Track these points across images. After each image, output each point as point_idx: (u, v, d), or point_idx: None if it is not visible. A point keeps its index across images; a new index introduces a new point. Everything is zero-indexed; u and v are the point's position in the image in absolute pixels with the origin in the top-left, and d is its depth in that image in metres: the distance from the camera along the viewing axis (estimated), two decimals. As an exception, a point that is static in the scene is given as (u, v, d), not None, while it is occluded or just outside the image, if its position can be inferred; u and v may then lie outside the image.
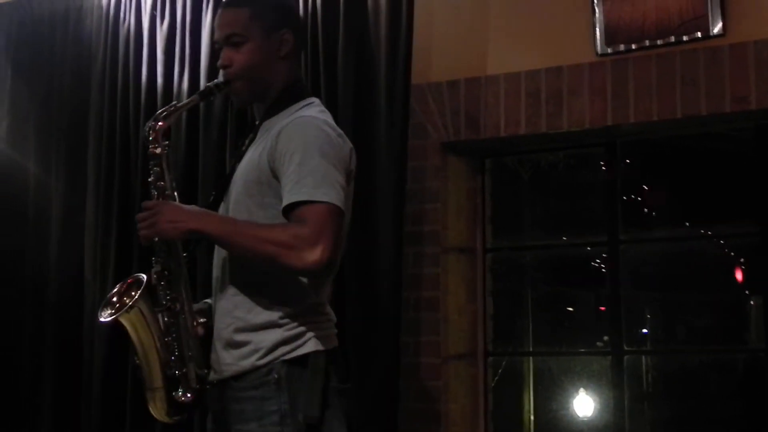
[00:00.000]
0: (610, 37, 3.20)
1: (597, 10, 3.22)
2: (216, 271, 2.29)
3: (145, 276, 2.22)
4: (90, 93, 3.89)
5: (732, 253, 3.61)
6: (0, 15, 4.22)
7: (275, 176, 2.14)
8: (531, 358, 3.71)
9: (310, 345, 2.15)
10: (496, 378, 3.62)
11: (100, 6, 3.93)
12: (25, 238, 3.97)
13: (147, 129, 2.23)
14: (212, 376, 2.24)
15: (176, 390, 2.21)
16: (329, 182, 2.09)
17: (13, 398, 3.90)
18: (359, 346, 3.23)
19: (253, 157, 2.22)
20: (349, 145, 2.23)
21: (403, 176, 3.26)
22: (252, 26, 2.24)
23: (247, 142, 2.32)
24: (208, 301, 2.36)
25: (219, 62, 2.28)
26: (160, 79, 3.72)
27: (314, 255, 2.03)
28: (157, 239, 2.17)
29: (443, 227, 3.45)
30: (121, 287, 2.28)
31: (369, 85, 3.33)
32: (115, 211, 3.74)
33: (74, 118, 3.94)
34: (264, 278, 2.16)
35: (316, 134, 2.14)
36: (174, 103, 2.29)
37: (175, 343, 2.21)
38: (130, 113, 3.77)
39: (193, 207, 2.21)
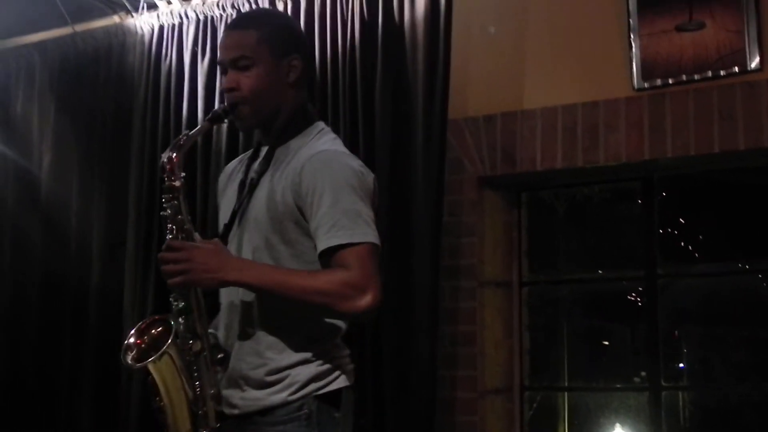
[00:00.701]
0: (647, 72, 3.21)
1: (634, 45, 3.23)
2: (231, 308, 2.21)
3: (173, 321, 2.13)
4: (132, 128, 3.95)
5: (769, 288, 3.58)
6: (44, 51, 4.31)
7: (301, 213, 2.12)
8: (567, 393, 3.68)
9: (341, 381, 2.16)
10: (531, 413, 3.59)
11: (142, 42, 4.01)
12: (67, 268, 4.03)
13: (164, 161, 2.14)
14: (228, 411, 2.17)
15: (199, 429, 2.15)
16: (364, 220, 2.09)
17: (52, 424, 3.93)
18: (396, 380, 3.23)
19: (273, 191, 2.16)
20: (371, 174, 2.20)
21: (440, 210, 3.28)
22: (261, 50, 2.18)
23: (257, 169, 2.23)
24: (212, 331, 2.26)
25: (224, 85, 2.21)
26: (200, 115, 3.76)
27: (366, 300, 2.04)
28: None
29: (480, 261, 3.45)
30: (140, 326, 2.20)
31: (406, 120, 3.36)
32: (154, 245, 3.76)
33: (116, 153, 4.00)
34: (296, 320, 2.14)
35: (342, 170, 2.12)
36: (186, 132, 2.22)
37: (197, 383, 2.14)
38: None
39: (223, 251, 2.13)
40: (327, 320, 2.16)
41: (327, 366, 2.14)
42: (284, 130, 2.23)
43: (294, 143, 2.22)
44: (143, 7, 4.03)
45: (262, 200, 2.17)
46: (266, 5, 3.70)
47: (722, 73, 3.11)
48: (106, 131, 4.05)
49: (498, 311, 3.53)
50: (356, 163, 2.18)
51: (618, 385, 3.68)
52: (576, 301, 3.80)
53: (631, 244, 3.58)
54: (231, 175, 2.38)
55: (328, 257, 2.07)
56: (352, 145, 3.42)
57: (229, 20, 3.76)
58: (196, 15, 3.88)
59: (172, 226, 2.13)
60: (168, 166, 2.13)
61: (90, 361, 3.89)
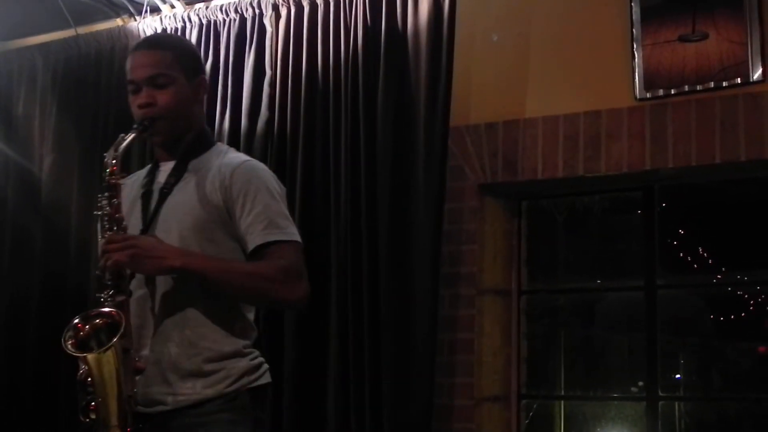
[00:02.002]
0: (649, 82, 3.22)
1: (637, 55, 3.24)
2: (146, 305, 2.23)
3: (121, 316, 2.12)
4: (133, 130, 3.95)
5: (768, 300, 3.58)
6: (47, 53, 4.31)
7: (228, 214, 2.25)
8: (564, 402, 3.68)
9: (267, 376, 2.30)
10: (527, 421, 3.59)
11: (145, 45, 4.01)
12: (67, 267, 4.02)
13: (109, 160, 2.22)
14: (151, 409, 2.19)
15: (125, 428, 2.14)
16: (291, 223, 2.29)
17: (52, 425, 3.93)
18: (394, 386, 3.23)
19: (193, 194, 2.27)
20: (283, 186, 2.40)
21: (440, 217, 3.28)
22: (176, 69, 2.31)
23: (168, 180, 2.31)
24: None
25: (141, 100, 2.29)
26: (202, 118, 3.77)
27: (302, 288, 2.23)
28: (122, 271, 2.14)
29: (479, 269, 3.45)
30: (89, 312, 2.18)
31: (408, 127, 3.36)
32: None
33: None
34: (227, 309, 2.24)
35: (269, 178, 2.32)
36: (122, 135, 2.29)
37: (125, 380, 2.15)
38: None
39: (164, 241, 2.20)
40: (247, 316, 2.29)
41: (257, 360, 2.27)
42: (193, 145, 2.35)
43: (208, 156, 2.35)
44: (146, 11, 4.05)
45: (185, 204, 2.27)
46: (269, 11, 3.71)
47: (725, 84, 3.11)
48: (107, 133, 4.04)
49: (497, 319, 3.53)
50: (274, 174, 2.39)
51: (615, 395, 3.68)
52: (575, 310, 3.80)
53: (631, 253, 3.58)
54: (125, 193, 2.37)
55: (263, 251, 2.21)
56: (353, 152, 3.44)
57: (232, 25, 3.78)
58: (199, 19, 3.89)
59: (109, 225, 2.20)
60: (111, 165, 2.22)
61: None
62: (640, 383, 3.49)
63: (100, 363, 2.11)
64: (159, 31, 3.97)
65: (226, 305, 2.24)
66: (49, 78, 4.27)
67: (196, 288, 2.20)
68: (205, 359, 2.20)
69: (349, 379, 3.33)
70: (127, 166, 2.33)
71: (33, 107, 4.30)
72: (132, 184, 2.43)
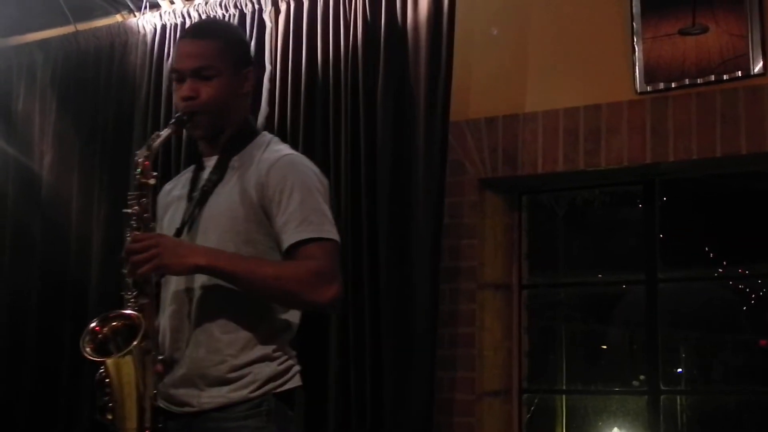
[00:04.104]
0: (649, 76, 3.21)
1: (637, 48, 3.24)
2: (179, 309, 2.21)
3: (141, 319, 2.11)
4: (133, 126, 3.95)
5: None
6: (46, 49, 4.31)
7: (264, 213, 2.17)
8: (565, 396, 3.68)
9: (296, 380, 2.22)
10: (529, 415, 3.59)
11: (144, 41, 4.01)
12: (67, 265, 4.03)
13: (140, 159, 2.16)
14: (179, 409, 2.18)
15: (143, 428, 2.14)
16: (329, 220, 2.18)
17: (52, 424, 3.93)
18: (395, 381, 3.23)
19: (233, 193, 2.19)
20: (326, 179, 2.30)
21: (441, 212, 3.28)
22: (224, 60, 2.22)
23: (211, 178, 2.25)
24: None
25: (183, 92, 2.21)
26: (201, 114, 3.77)
27: (332, 290, 2.12)
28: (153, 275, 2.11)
29: (480, 263, 3.45)
30: (107, 315, 2.17)
31: (408, 122, 3.36)
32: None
33: (117, 152, 3.99)
34: (257, 315, 2.17)
35: (307, 173, 2.21)
36: (157, 132, 2.22)
37: (143, 382, 2.14)
38: (173, 147, 3.81)
39: (188, 241, 2.17)
40: (282, 318, 2.20)
41: (284, 365, 2.19)
42: (236, 139, 2.27)
43: (250, 151, 2.26)
44: (146, 7, 4.04)
45: (223, 204, 2.20)
46: (269, 6, 3.70)
47: (725, 77, 3.11)
48: (108, 130, 4.05)
49: (497, 314, 3.53)
50: (316, 168, 2.28)
51: (617, 389, 3.68)
52: (575, 304, 3.80)
53: (632, 247, 3.58)
54: (171, 192, 2.38)
55: (296, 250, 2.13)
56: (353, 147, 3.43)
57: (232, 20, 3.77)
58: (199, 14, 3.88)
59: (138, 224, 2.14)
60: (143, 164, 2.15)
61: (90, 362, 3.88)
62: (642, 377, 3.49)
63: (119, 367, 2.10)
64: (158, 27, 3.97)
65: (258, 310, 2.17)
66: (48, 74, 4.27)
67: (228, 292, 2.13)
68: (229, 367, 2.15)
69: (349, 374, 3.34)
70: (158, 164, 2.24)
71: (33, 104, 4.30)
72: (177, 183, 2.38)
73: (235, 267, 2.09)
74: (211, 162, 2.28)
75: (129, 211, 2.15)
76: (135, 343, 2.08)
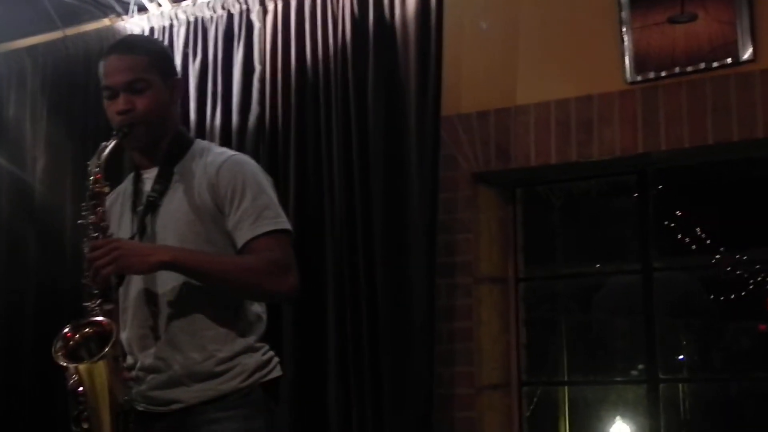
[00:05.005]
0: (639, 65, 3.20)
1: (626, 38, 3.23)
2: (146, 312, 2.23)
3: (113, 325, 2.12)
4: (124, 130, 3.94)
5: (767, 279, 3.58)
6: (35, 55, 4.30)
7: (219, 211, 2.23)
8: (566, 387, 3.68)
9: (278, 370, 2.30)
10: (531, 407, 3.60)
11: (133, 45, 3.99)
12: (62, 273, 4.01)
13: (94, 168, 2.21)
14: (165, 408, 2.20)
15: None
16: (281, 213, 2.27)
17: (50, 421, 3.93)
18: (393, 377, 3.23)
19: (189, 198, 2.24)
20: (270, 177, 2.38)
21: (435, 207, 3.27)
22: (152, 73, 2.28)
23: (155, 188, 2.28)
24: None
25: (119, 107, 2.25)
26: (193, 116, 3.76)
27: (290, 281, 2.21)
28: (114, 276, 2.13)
29: (475, 258, 3.45)
30: (79, 322, 2.17)
31: (399, 118, 3.35)
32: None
33: (109, 156, 3.97)
34: (231, 308, 2.23)
35: (255, 170, 2.30)
36: (103, 143, 2.24)
37: (115, 388, 2.14)
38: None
39: (147, 243, 2.21)
40: (253, 311, 2.27)
41: (267, 355, 2.28)
42: (173, 148, 2.32)
43: (191, 157, 2.32)
44: (133, 10, 4.03)
45: (177, 211, 2.25)
46: (257, 6, 3.69)
47: (715, 64, 3.10)
48: (99, 134, 3.99)
49: (494, 307, 3.53)
50: (259, 165, 2.37)
51: (616, 379, 3.68)
52: (572, 295, 3.81)
53: (627, 237, 3.58)
54: (111, 208, 2.36)
55: (252, 244, 2.20)
56: (345, 145, 3.43)
57: (219, 21, 3.77)
58: (186, 17, 3.87)
59: (96, 234, 2.18)
60: (95, 173, 2.20)
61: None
62: (641, 366, 3.49)
63: (92, 373, 2.10)
64: (147, 30, 3.96)
65: (231, 305, 2.24)
66: (38, 80, 4.26)
67: (200, 291, 2.18)
68: (217, 361, 2.20)
69: (348, 371, 3.33)
70: (111, 174, 2.27)
71: (23, 110, 4.28)
72: (117, 198, 2.40)
73: (197, 262, 2.15)
74: (150, 173, 2.32)
75: (85, 222, 2.20)
76: (108, 348, 2.09)
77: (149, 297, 2.23)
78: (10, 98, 4.34)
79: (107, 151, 2.22)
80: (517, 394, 3.55)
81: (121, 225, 2.33)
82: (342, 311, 3.35)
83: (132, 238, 2.26)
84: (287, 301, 2.33)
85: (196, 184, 2.26)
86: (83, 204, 2.22)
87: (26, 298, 4.10)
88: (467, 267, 3.43)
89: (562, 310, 3.80)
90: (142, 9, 4.01)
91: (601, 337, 3.92)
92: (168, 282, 2.21)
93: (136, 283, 2.24)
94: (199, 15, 3.83)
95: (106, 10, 4.14)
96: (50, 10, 4.08)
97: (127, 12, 4.05)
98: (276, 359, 2.30)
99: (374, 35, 3.41)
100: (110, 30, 4.09)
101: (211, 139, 3.69)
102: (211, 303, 2.21)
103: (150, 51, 2.35)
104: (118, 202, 2.39)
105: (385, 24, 3.41)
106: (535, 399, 3.61)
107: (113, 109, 2.27)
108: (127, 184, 2.41)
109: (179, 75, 2.44)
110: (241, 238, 2.21)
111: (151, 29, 3.95)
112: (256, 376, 2.23)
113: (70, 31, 4.22)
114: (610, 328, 3.90)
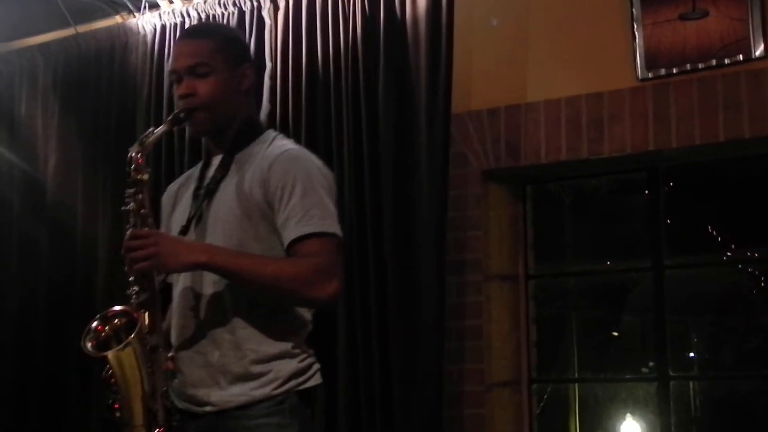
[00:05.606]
0: (650, 62, 3.20)
1: (637, 35, 3.22)
2: (189, 306, 2.22)
3: (138, 314, 2.13)
4: (136, 128, 3.95)
5: (779, 276, 3.57)
6: (47, 52, 4.32)
7: (269, 208, 2.17)
8: (576, 384, 3.68)
9: (317, 378, 2.23)
10: (541, 405, 3.60)
11: (144, 42, 4.01)
12: (74, 269, 4.04)
13: (132, 154, 2.17)
14: (198, 409, 2.18)
15: (152, 427, 2.14)
16: (332, 215, 2.18)
17: (62, 427, 3.95)
18: (403, 375, 3.24)
19: (239, 191, 2.20)
20: (331, 173, 2.30)
21: (445, 205, 3.27)
22: (217, 58, 2.24)
23: (215, 176, 2.27)
24: None
25: (181, 91, 2.24)
26: (203, 113, 3.77)
27: (332, 287, 2.13)
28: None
29: (485, 255, 3.45)
30: (106, 314, 2.19)
31: (409, 115, 3.35)
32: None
33: (120, 152, 3.95)
34: (272, 310, 2.18)
35: (309, 167, 2.22)
36: (151, 129, 2.24)
37: (151, 379, 2.14)
38: (175, 148, 3.82)
39: (187, 238, 2.19)
40: (296, 313, 2.22)
41: (306, 362, 2.21)
42: (239, 136, 2.29)
43: (254, 148, 2.28)
44: (145, 7, 4.04)
45: (229, 202, 2.21)
46: (267, 3, 3.70)
47: (726, 61, 3.09)
48: (110, 131, 4.06)
49: (504, 305, 3.53)
50: (320, 162, 2.28)
51: (627, 376, 3.68)
52: (582, 293, 3.80)
53: (638, 234, 3.57)
54: (178, 191, 2.38)
55: (297, 245, 2.13)
56: (355, 142, 3.43)
57: (231, 18, 3.77)
58: (198, 14, 3.88)
59: (135, 220, 2.15)
60: (136, 160, 2.16)
61: (98, 362, 3.88)
62: (651, 364, 3.49)
63: (121, 361, 2.10)
64: (158, 27, 3.97)
65: (271, 307, 2.18)
66: (50, 78, 4.27)
67: (240, 290, 2.14)
68: (251, 361, 2.15)
69: (358, 370, 3.34)
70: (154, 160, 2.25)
71: (35, 108, 4.30)
72: (186, 182, 2.39)
73: (233, 265, 2.10)
74: (217, 160, 2.30)
75: (126, 208, 2.16)
76: (133, 335, 2.09)
77: (193, 291, 2.21)
78: (22, 95, 4.36)
79: (153, 136, 2.20)
80: (527, 392, 3.55)
81: (180, 210, 2.31)
82: (351, 308, 3.36)
83: (187, 224, 2.24)
84: (325, 308, 2.29)
85: (248, 177, 2.20)
86: (126, 191, 2.18)
87: (38, 294, 4.13)
88: (477, 264, 3.43)
89: (572, 307, 3.80)
90: (153, 6, 4.02)
91: (610, 334, 3.91)
92: (210, 277, 2.17)
93: (183, 276, 2.23)
94: (211, 12, 3.84)
95: (118, 8, 4.15)
96: (62, 8, 4.10)
97: (139, 9, 4.06)
98: (316, 366, 2.24)
99: (385, 33, 3.41)
100: (122, 27, 4.11)
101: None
102: (250, 303, 2.16)
103: (217, 36, 2.31)
104: (185, 185, 2.37)
105: (395, 21, 3.41)
106: (545, 396, 3.61)
107: (177, 93, 2.26)
108: (196, 169, 2.39)
109: (251, 64, 2.35)
110: (287, 237, 2.15)
111: (163, 26, 3.96)
112: (291, 383, 2.17)
113: (82, 28, 4.24)
114: (620, 325, 3.89)
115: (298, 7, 3.63)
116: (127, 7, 4.11)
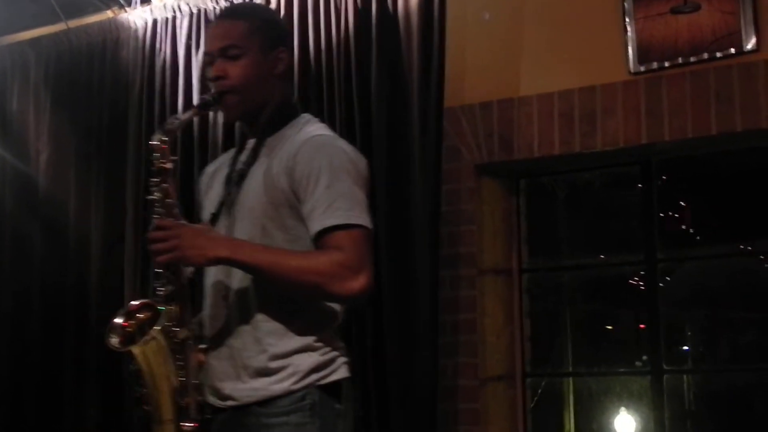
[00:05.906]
0: (643, 56, 3.20)
1: (629, 29, 3.22)
2: (220, 297, 2.18)
3: (162, 306, 2.09)
4: (128, 122, 3.95)
5: (771, 269, 3.58)
6: (38, 47, 4.30)
7: (296, 197, 2.10)
8: (570, 378, 3.68)
9: (342, 371, 2.14)
10: (536, 399, 3.60)
11: (136, 37, 4.00)
12: (66, 266, 4.03)
13: (155, 142, 2.11)
14: (221, 403, 2.14)
15: (183, 421, 2.10)
16: (360, 205, 2.08)
17: (57, 423, 3.94)
18: (397, 369, 3.24)
19: (266, 177, 2.14)
20: (364, 160, 2.19)
21: (438, 199, 3.27)
22: (251, 40, 2.17)
23: (245, 161, 2.21)
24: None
25: (212, 73, 2.18)
26: (196, 108, 3.76)
27: (359, 282, 2.03)
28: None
29: (479, 249, 3.44)
30: (129, 308, 2.15)
31: (402, 109, 3.35)
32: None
33: (112, 147, 3.99)
34: (295, 304, 2.11)
35: (337, 154, 2.12)
36: (175, 116, 2.22)
37: (181, 371, 2.10)
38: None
39: (213, 230, 2.14)
40: (323, 306, 2.14)
41: (328, 356, 2.12)
42: (272, 121, 2.21)
43: (285, 132, 2.20)
44: (136, 2, 4.03)
45: (257, 189, 2.14)
46: (262, -6, 3.69)
47: (718, 54, 3.09)
48: (102, 127, 4.05)
49: (498, 299, 3.53)
50: (350, 148, 2.18)
51: (621, 370, 3.68)
52: (576, 286, 3.80)
53: (631, 228, 3.57)
54: (214, 174, 2.34)
55: (323, 238, 2.05)
56: (348, 135, 3.41)
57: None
58: (189, 8, 3.87)
59: (161, 210, 2.10)
60: (160, 148, 2.10)
61: (93, 359, 3.89)
62: (645, 357, 3.49)
63: (147, 356, 2.06)
64: (150, 22, 3.96)
65: (294, 300, 2.10)
66: (41, 73, 4.26)
67: (264, 284, 2.08)
68: (271, 356, 2.08)
69: (353, 364, 3.33)
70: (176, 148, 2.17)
71: (27, 103, 4.29)
72: (221, 166, 2.34)
73: (255, 259, 2.03)
74: (251, 144, 2.24)
75: (152, 197, 2.10)
76: (156, 328, 2.05)
77: (223, 284, 2.16)
78: (14, 91, 4.35)
79: (177, 122, 2.15)
80: (521, 386, 3.56)
81: (212, 195, 2.26)
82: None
83: (217, 211, 2.19)
84: (352, 304, 2.19)
85: (276, 163, 2.13)
86: (151, 180, 2.11)
87: (31, 292, 4.11)
88: (471, 258, 3.43)
89: (566, 301, 3.80)
90: (144, 1, 4.01)
91: (604, 328, 3.91)
92: (239, 271, 2.11)
93: (214, 269, 2.17)
94: (202, 6, 3.83)
95: (109, 3, 4.14)
96: (53, 3, 4.09)
97: (130, 4, 4.05)
98: (341, 360, 2.14)
99: (377, 26, 3.40)
100: (113, 22, 4.09)
101: (214, 131, 3.69)
102: (275, 298, 2.09)
103: (252, 18, 2.22)
104: (219, 170, 2.32)
105: (388, 15, 3.40)
106: (539, 390, 3.61)
107: (208, 75, 2.20)
108: (231, 152, 2.33)
109: (286, 48, 2.26)
110: (312, 229, 2.06)
111: (154, 21, 3.95)
112: (312, 377, 2.08)
113: (73, 23, 4.23)
114: (614, 319, 3.90)
115: (290, 1, 3.62)
116: (118, 2, 4.10)
